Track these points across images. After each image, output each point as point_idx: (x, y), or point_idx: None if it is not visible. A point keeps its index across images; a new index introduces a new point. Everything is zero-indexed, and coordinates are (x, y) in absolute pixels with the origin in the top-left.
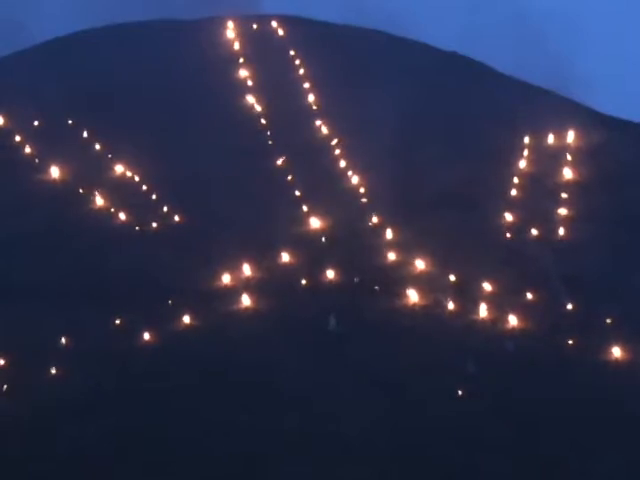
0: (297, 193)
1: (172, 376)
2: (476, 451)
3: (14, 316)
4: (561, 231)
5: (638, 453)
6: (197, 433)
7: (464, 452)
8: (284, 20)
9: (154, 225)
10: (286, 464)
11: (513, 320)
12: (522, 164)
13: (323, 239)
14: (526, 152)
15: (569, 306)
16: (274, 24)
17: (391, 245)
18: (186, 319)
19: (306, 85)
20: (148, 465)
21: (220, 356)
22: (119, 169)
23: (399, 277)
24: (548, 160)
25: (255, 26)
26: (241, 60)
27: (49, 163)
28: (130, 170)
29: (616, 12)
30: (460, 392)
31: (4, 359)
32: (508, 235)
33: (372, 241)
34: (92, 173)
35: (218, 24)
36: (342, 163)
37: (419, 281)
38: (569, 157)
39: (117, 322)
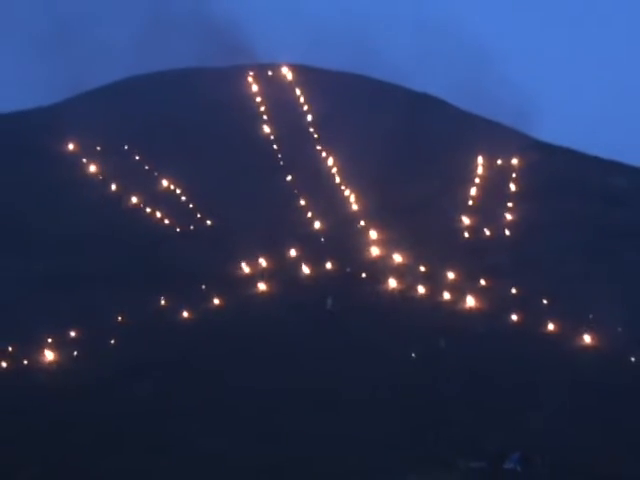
0: (302, 202)
1: (205, 345)
2: (443, 402)
3: (81, 298)
4: (507, 231)
5: (565, 406)
6: (226, 390)
7: (434, 403)
8: (292, 67)
9: (191, 227)
10: (295, 412)
11: (470, 301)
12: (477, 180)
13: (322, 238)
14: (480, 170)
15: (513, 290)
16: (284, 70)
17: (375, 243)
18: (216, 300)
19: (309, 118)
20: (189, 415)
21: (243, 329)
22: (164, 184)
23: (381, 268)
24: (497, 176)
25: (269, 72)
26: (258, 99)
27: (109, 179)
28: (172, 185)
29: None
30: (413, 354)
31: (74, 332)
32: (466, 235)
33: (360, 240)
34: (142, 187)
35: (240, 71)
36: (337, 179)
37: (397, 271)
38: (514, 174)
39: (162, 303)
